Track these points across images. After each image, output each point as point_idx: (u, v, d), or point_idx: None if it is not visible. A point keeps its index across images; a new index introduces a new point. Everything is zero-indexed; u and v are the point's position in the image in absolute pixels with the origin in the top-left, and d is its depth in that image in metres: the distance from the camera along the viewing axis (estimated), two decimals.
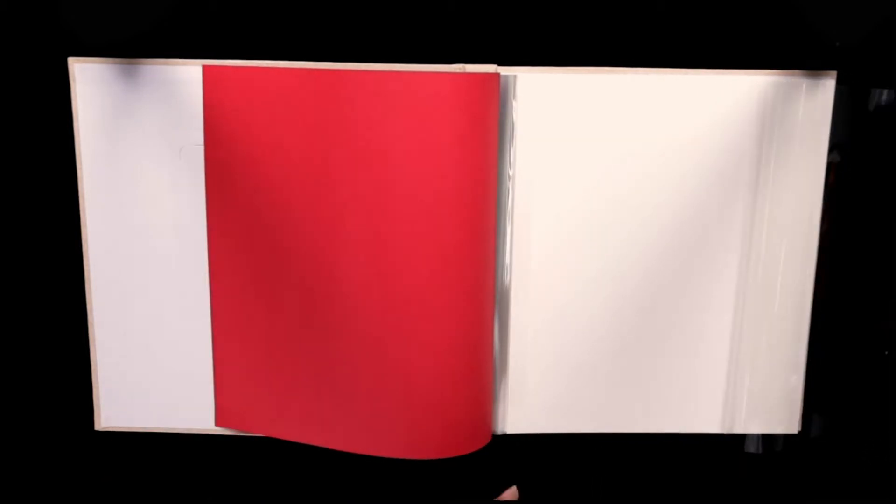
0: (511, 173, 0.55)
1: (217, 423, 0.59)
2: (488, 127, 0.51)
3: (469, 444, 0.56)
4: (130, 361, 0.58)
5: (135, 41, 0.54)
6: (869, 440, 0.47)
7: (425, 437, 0.55)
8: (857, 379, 0.51)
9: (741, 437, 0.59)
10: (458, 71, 0.52)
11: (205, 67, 0.53)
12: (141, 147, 0.55)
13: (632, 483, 0.60)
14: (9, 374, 0.59)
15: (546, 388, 0.58)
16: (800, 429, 0.58)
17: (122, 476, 0.61)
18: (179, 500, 0.61)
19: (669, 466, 0.60)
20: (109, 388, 0.58)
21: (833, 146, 0.55)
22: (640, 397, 0.58)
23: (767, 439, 0.58)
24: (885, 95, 0.54)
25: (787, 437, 0.58)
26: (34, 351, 0.59)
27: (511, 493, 0.55)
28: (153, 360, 0.58)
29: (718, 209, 0.55)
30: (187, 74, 0.53)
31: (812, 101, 0.54)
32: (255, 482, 0.61)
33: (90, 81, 0.54)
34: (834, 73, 0.54)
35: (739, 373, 0.58)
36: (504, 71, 0.53)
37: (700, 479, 0.60)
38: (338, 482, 0.60)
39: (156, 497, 0.61)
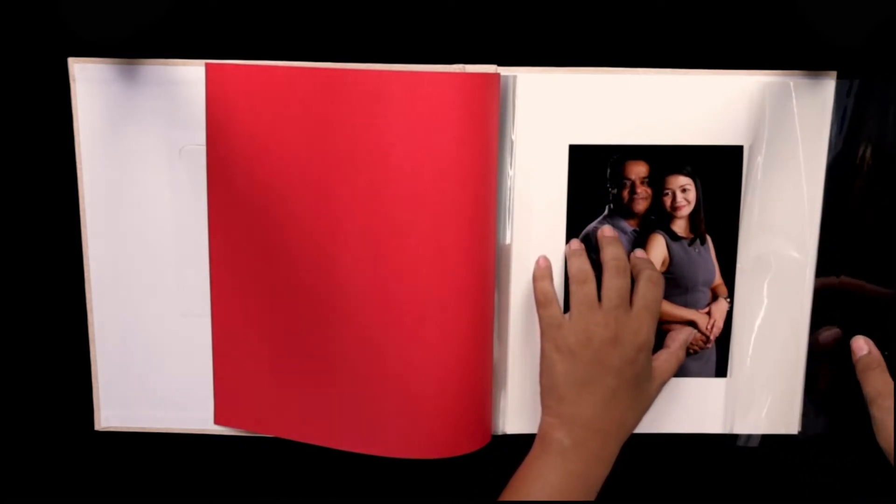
0: (511, 173, 0.55)
1: (216, 422, 0.59)
2: (488, 127, 0.51)
3: (469, 443, 0.56)
4: (130, 361, 0.58)
5: (135, 40, 0.54)
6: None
7: (425, 436, 0.55)
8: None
9: (739, 437, 0.59)
10: (458, 71, 0.52)
11: (208, 65, 0.53)
12: (141, 147, 0.55)
13: (631, 482, 0.60)
14: (9, 374, 0.59)
15: None
16: (800, 429, 0.58)
17: (122, 476, 0.61)
18: (179, 500, 0.61)
19: (669, 466, 0.60)
20: (109, 388, 0.58)
21: (832, 145, 0.55)
22: None
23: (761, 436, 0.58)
24: (884, 95, 0.54)
25: (786, 438, 0.58)
26: (34, 351, 0.59)
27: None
28: (153, 360, 0.58)
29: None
30: (188, 74, 0.53)
31: (812, 102, 0.54)
32: (254, 482, 0.61)
33: (90, 81, 0.54)
34: (834, 73, 0.54)
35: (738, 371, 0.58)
36: (504, 71, 0.53)
37: (700, 479, 0.60)
38: (337, 481, 0.60)
39: (156, 497, 0.61)
